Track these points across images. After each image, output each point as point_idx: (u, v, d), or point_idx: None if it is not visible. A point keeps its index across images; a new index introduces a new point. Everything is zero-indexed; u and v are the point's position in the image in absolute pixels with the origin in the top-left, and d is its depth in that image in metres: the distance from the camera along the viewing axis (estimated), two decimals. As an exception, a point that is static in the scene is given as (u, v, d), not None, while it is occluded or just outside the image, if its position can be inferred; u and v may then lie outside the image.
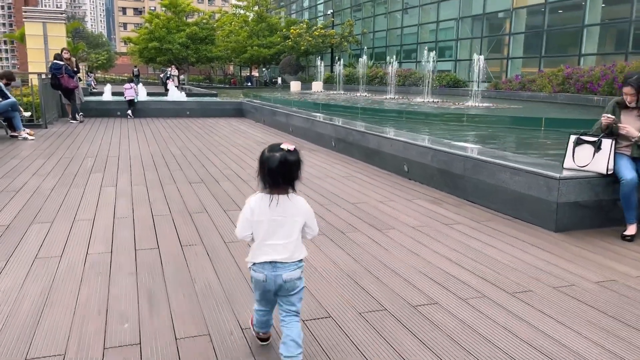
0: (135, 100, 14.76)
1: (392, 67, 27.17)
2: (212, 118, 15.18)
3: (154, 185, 6.04)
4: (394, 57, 32.15)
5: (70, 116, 13.19)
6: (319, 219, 3.99)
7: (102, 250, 3.77)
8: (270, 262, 2.19)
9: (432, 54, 24.18)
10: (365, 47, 41.06)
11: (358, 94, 28.19)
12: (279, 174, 2.11)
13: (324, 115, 10.67)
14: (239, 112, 16.04)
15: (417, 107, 17.84)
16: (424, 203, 5.32)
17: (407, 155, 6.49)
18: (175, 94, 19.08)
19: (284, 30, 48.89)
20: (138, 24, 54.80)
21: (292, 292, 2.23)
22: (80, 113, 13.31)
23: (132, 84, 14.98)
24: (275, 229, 2.18)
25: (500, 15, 31.90)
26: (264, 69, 52.18)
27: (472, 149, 5.61)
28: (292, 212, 2.19)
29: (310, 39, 44.57)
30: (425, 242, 4.08)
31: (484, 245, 4.05)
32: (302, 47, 44.98)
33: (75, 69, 13.39)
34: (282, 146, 2.11)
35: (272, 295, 2.25)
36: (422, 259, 3.72)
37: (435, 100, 21.77)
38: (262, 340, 2.49)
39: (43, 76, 12.28)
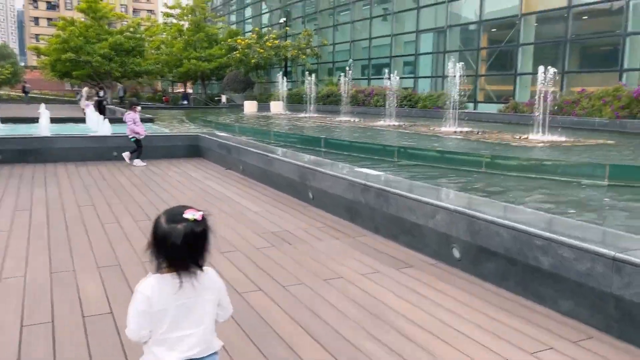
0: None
1: (392, 84, 21.88)
2: (154, 161, 10.11)
3: None
4: (390, 71, 26.77)
5: None
6: None
7: None
8: None
9: (459, 65, 19.25)
10: (351, 60, 35.38)
11: (341, 118, 23.24)
12: (185, 251, 1.67)
13: (408, 180, 5.84)
14: (194, 150, 11.24)
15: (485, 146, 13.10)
16: None
17: None
18: (94, 122, 13.70)
19: (230, 40, 43.64)
20: (53, 35, 47.47)
21: None
22: None
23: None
24: (185, 316, 1.74)
25: (505, 22, 27.16)
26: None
27: None
28: (203, 291, 1.76)
29: (262, 50, 39.63)
30: None
31: None
32: (253, 60, 39.93)
33: None
34: (185, 215, 1.69)
35: None
36: None
37: (470, 130, 17.13)
38: None
39: None
